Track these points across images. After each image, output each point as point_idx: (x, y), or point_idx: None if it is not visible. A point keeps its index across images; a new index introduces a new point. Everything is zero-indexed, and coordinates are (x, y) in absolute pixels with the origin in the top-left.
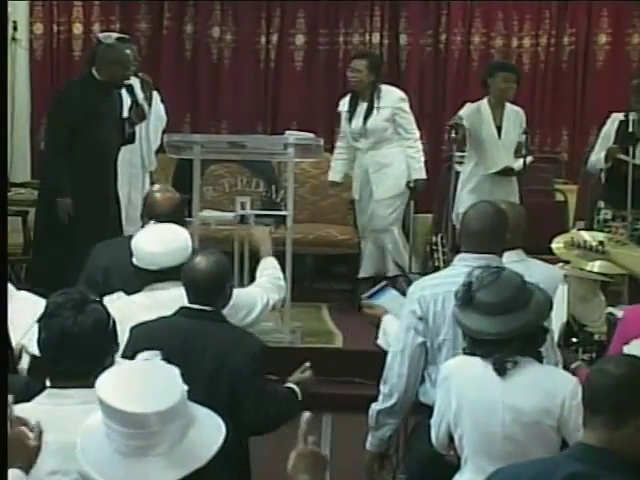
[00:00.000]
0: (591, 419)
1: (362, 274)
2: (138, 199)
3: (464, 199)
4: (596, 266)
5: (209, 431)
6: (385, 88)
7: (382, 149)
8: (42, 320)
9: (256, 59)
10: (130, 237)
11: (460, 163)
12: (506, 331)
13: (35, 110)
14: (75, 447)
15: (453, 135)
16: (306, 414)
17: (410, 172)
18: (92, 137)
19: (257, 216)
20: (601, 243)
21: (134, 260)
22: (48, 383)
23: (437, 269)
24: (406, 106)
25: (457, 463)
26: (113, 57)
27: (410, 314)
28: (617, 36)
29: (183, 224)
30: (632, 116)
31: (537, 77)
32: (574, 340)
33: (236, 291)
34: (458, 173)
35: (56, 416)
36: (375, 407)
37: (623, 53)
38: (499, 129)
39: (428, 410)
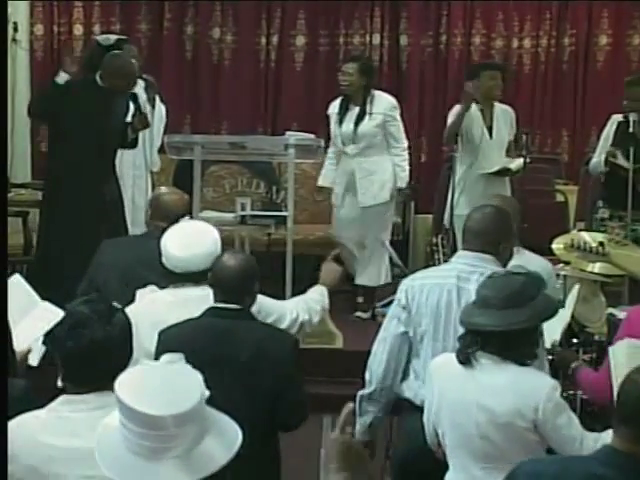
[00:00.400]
0: (619, 427)
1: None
2: (142, 201)
3: (457, 200)
4: (596, 267)
5: (225, 437)
6: (378, 94)
7: (371, 155)
8: (67, 330)
9: (256, 60)
10: (136, 237)
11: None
12: (505, 324)
13: None
14: (92, 453)
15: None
16: (350, 404)
17: (396, 180)
18: (79, 138)
19: (257, 217)
20: (601, 244)
21: (163, 259)
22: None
23: None
24: (397, 114)
25: (444, 460)
26: (118, 68)
27: (395, 303)
28: (617, 37)
29: None
30: (632, 117)
31: (537, 78)
32: (575, 340)
33: (267, 300)
34: None
35: (72, 423)
36: (359, 393)
37: (623, 54)
38: (490, 129)
39: (411, 406)
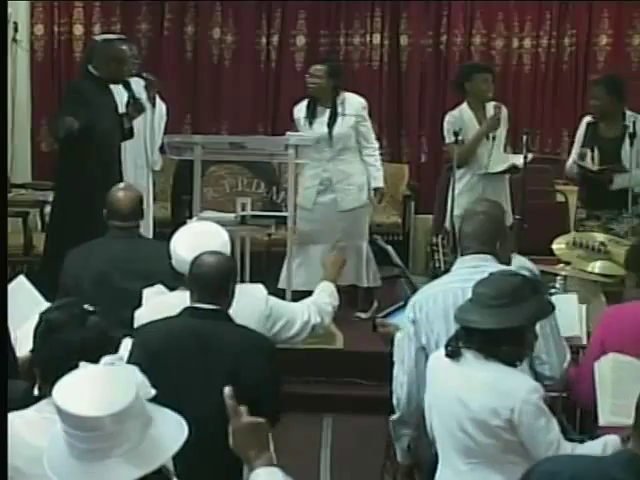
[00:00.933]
0: (636, 432)
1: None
2: (143, 200)
3: (458, 201)
4: (597, 267)
5: (170, 430)
6: (348, 95)
7: (346, 158)
8: (43, 335)
9: (257, 60)
10: (101, 240)
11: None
12: (498, 321)
13: (35, 111)
14: None
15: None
16: (227, 388)
17: (370, 181)
18: (94, 134)
19: (257, 217)
20: (602, 243)
21: (172, 260)
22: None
23: (438, 270)
24: (367, 114)
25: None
26: (110, 53)
27: (406, 321)
28: (618, 37)
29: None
30: (630, 117)
31: (538, 78)
32: None
33: (278, 303)
34: None
35: (57, 424)
36: (390, 418)
37: (624, 54)
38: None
39: None
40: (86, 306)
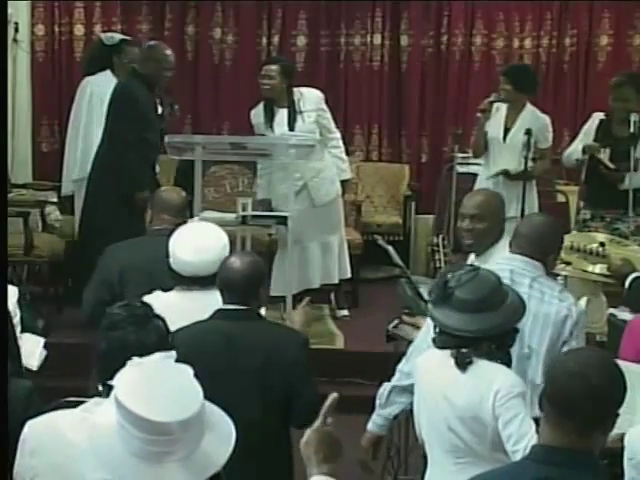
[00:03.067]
0: (556, 423)
1: (314, 284)
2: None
3: None
4: (597, 267)
5: (222, 435)
6: (304, 90)
7: (313, 153)
8: (103, 331)
9: (257, 60)
10: (143, 238)
11: (461, 164)
12: (484, 328)
13: (36, 111)
14: None
15: (479, 115)
16: (334, 394)
17: (339, 173)
18: (147, 137)
19: (258, 217)
20: (602, 244)
21: (170, 260)
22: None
23: (438, 270)
24: (325, 105)
25: None
26: (156, 57)
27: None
28: (618, 37)
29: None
30: (633, 117)
31: (538, 78)
32: None
33: None
34: (459, 174)
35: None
36: (389, 384)
37: (624, 54)
38: (507, 130)
39: None
40: (150, 310)
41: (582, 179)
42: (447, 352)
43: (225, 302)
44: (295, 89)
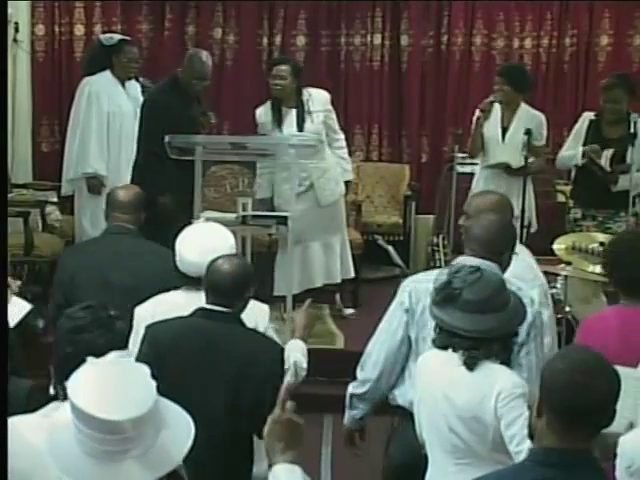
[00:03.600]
0: (550, 424)
1: (316, 284)
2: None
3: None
4: (597, 267)
5: (180, 432)
6: (312, 91)
7: (319, 153)
8: (67, 334)
9: (258, 60)
10: (96, 239)
11: (461, 164)
12: (493, 328)
13: (36, 111)
14: None
15: (478, 115)
16: (287, 378)
17: (343, 173)
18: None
19: (259, 217)
20: (602, 244)
21: (177, 261)
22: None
23: None
24: (331, 106)
25: None
26: (191, 65)
27: (397, 306)
28: (619, 37)
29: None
30: (633, 117)
31: (538, 78)
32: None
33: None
34: (459, 174)
35: None
36: (350, 389)
37: (624, 54)
38: (505, 130)
39: (405, 413)
40: (112, 312)
41: (572, 178)
42: (448, 352)
43: (209, 302)
44: (303, 89)
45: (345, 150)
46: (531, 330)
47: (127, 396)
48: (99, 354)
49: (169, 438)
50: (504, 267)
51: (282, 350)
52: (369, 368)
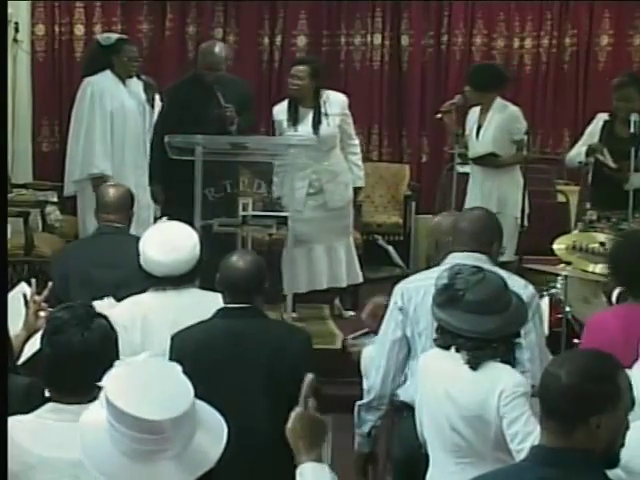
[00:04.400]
0: (547, 423)
1: (322, 285)
2: (144, 200)
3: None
4: (598, 267)
5: (214, 432)
6: (331, 94)
7: (332, 157)
8: (46, 336)
9: (258, 60)
10: (85, 239)
11: (461, 164)
12: (494, 329)
13: (36, 111)
14: (75, 464)
15: (439, 116)
16: (309, 376)
17: (354, 179)
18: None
19: (259, 217)
20: (602, 244)
21: (141, 261)
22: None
23: None
24: (348, 110)
25: None
26: (203, 55)
27: (392, 306)
28: (619, 37)
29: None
30: (634, 117)
31: (539, 78)
32: (576, 341)
33: None
34: (460, 174)
35: (56, 432)
36: (358, 402)
37: (625, 54)
38: (480, 128)
39: (407, 409)
40: (95, 308)
41: (589, 180)
42: (449, 352)
43: (227, 301)
44: (322, 91)
45: (359, 156)
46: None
47: (165, 395)
48: (78, 352)
49: (204, 439)
50: (495, 258)
51: (309, 336)
52: (372, 374)
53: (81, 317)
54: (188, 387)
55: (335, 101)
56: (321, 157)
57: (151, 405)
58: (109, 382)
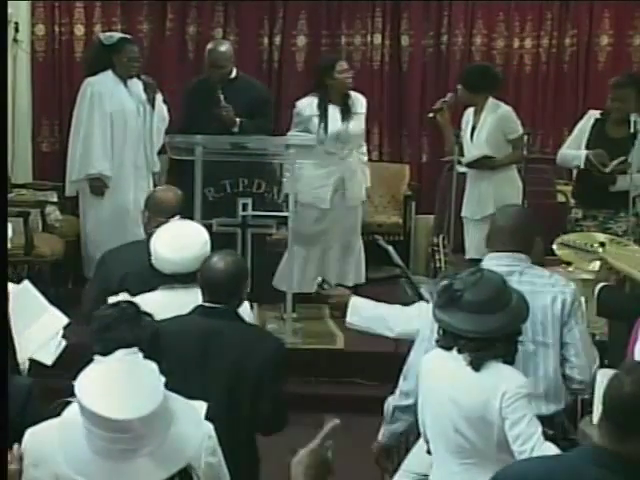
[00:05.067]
0: (605, 425)
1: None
2: (143, 201)
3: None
4: (597, 266)
5: (190, 425)
6: (353, 94)
7: (351, 156)
8: (95, 334)
9: (259, 60)
10: (140, 241)
11: (461, 164)
12: (496, 328)
13: (36, 111)
14: None
15: (431, 115)
16: (335, 420)
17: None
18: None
19: (259, 217)
20: (602, 244)
21: (152, 259)
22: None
23: (438, 270)
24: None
25: None
26: (208, 55)
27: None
28: (619, 37)
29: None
30: (633, 117)
31: (539, 78)
32: None
33: None
34: (459, 174)
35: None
36: (392, 402)
37: (625, 54)
38: (474, 130)
39: None
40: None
41: (574, 177)
42: (452, 353)
43: (205, 300)
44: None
45: (366, 157)
46: (571, 309)
47: (135, 394)
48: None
49: (180, 434)
50: (537, 255)
51: (282, 344)
52: (412, 378)
53: (130, 315)
54: (159, 384)
55: (360, 101)
56: (346, 154)
57: (119, 404)
58: (80, 382)
